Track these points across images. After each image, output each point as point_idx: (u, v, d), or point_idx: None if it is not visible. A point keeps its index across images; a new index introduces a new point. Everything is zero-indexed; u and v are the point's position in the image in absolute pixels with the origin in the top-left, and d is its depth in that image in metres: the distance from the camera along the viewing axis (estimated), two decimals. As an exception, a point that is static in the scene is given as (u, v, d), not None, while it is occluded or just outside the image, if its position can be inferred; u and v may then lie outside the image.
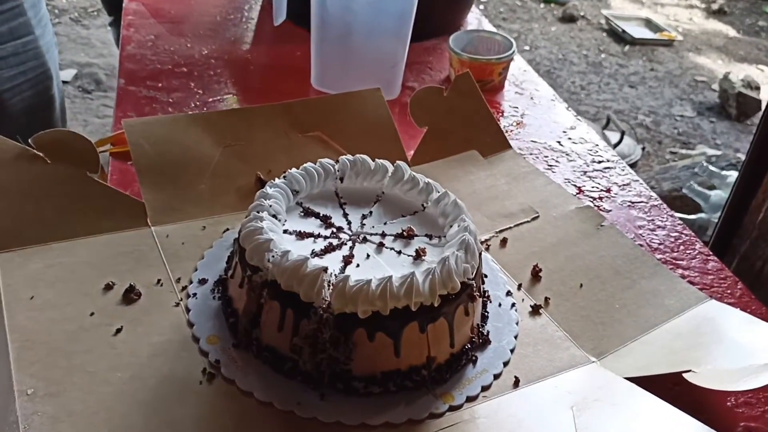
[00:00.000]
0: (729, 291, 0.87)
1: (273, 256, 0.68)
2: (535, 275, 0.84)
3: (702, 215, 1.92)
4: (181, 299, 0.76)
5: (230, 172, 0.93)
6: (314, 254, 0.72)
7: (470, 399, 0.68)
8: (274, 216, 0.74)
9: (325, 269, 0.66)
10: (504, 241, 0.90)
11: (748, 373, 0.68)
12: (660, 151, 3.59)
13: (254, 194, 0.79)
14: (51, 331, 0.70)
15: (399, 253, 0.74)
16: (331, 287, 0.65)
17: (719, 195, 2.02)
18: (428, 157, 1.03)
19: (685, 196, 1.97)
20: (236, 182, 0.93)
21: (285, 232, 0.74)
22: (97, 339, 0.70)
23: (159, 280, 0.78)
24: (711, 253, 0.93)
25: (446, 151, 1.05)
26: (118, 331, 0.71)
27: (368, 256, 0.73)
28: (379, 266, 0.72)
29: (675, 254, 0.92)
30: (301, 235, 0.75)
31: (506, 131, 1.12)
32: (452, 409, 0.67)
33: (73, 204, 0.84)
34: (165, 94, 1.16)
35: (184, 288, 0.78)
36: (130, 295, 0.75)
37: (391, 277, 0.65)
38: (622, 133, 3.19)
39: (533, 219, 0.94)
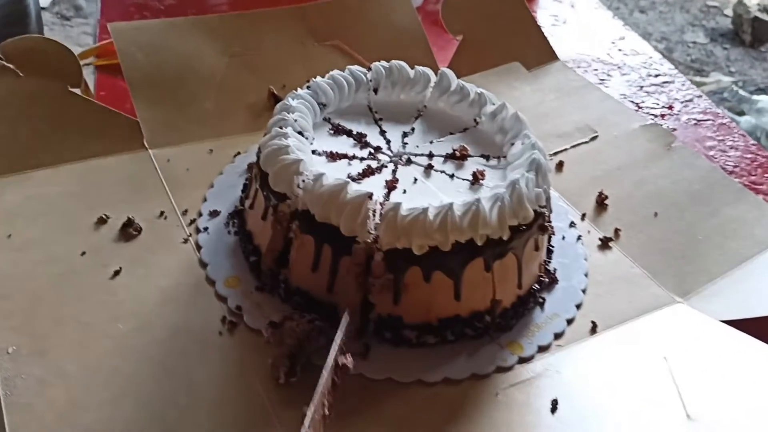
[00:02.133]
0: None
1: (304, 181, 0.55)
2: (601, 203, 0.72)
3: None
4: (190, 234, 0.64)
5: (239, 86, 0.80)
6: (351, 178, 0.59)
7: (542, 349, 0.57)
8: (299, 133, 0.61)
9: (370, 195, 0.53)
10: (560, 165, 0.77)
11: None
12: (674, 80, 3.44)
13: (267, 112, 0.65)
14: (34, 275, 0.58)
15: (452, 176, 0.61)
16: (379, 217, 0.53)
17: (749, 121, 1.91)
18: (465, 69, 0.88)
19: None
20: (246, 98, 0.80)
21: (313, 152, 0.61)
22: (91, 283, 0.58)
23: (162, 213, 0.65)
24: None
25: (485, 63, 0.91)
26: (117, 273, 0.59)
27: (415, 180, 0.61)
28: (430, 192, 0.59)
29: (753, 178, 0.80)
30: (333, 157, 0.62)
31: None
32: (522, 361, 0.56)
33: (54, 124, 0.71)
34: (157, 1, 1.00)
35: (193, 221, 0.65)
36: (129, 230, 0.63)
37: (451, 204, 0.53)
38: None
39: (592, 139, 0.81)
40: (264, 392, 0.51)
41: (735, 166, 0.82)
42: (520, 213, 0.55)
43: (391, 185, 0.59)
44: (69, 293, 0.57)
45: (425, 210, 0.52)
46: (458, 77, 0.74)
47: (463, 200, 0.54)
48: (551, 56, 0.94)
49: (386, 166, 0.62)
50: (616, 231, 0.69)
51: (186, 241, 0.63)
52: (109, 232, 0.63)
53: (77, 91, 0.71)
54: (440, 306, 0.55)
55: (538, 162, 0.58)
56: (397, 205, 0.52)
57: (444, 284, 0.54)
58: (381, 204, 0.55)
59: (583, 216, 0.71)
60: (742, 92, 1.94)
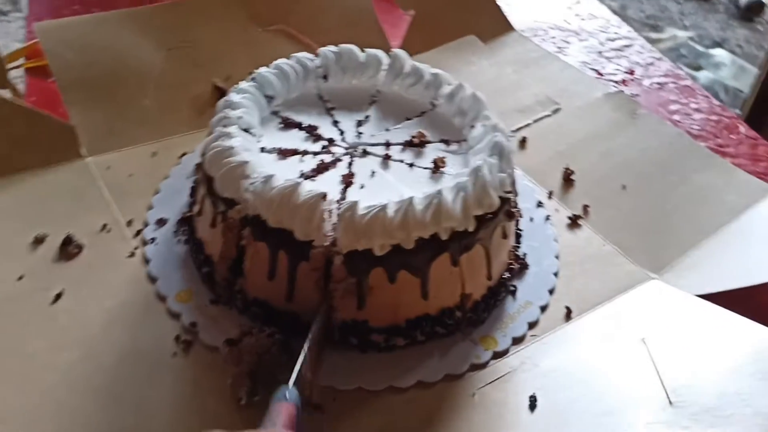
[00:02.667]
0: (788, 179, 0.74)
1: (252, 184, 0.51)
2: (567, 179, 0.70)
3: (692, 99, 1.81)
4: (137, 247, 0.59)
5: (179, 80, 0.75)
6: (304, 176, 0.55)
7: (517, 341, 0.55)
8: (245, 131, 0.56)
9: (324, 195, 0.49)
10: (523, 141, 0.74)
11: None
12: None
13: (212, 107, 0.61)
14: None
15: (411, 165, 0.58)
16: (336, 218, 0.50)
17: (707, 76, 1.91)
18: (418, 46, 0.85)
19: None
20: (188, 93, 0.75)
21: (262, 150, 0.57)
22: (31, 310, 0.54)
23: (105, 226, 0.61)
24: (759, 135, 0.79)
25: (439, 38, 0.87)
26: (58, 297, 0.55)
27: (373, 173, 0.57)
28: (389, 185, 0.56)
29: (719, 140, 0.78)
30: (284, 153, 0.58)
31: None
32: (497, 356, 0.53)
33: (-22, 134, 0.65)
34: None
35: (139, 232, 0.61)
36: (68, 249, 0.58)
37: (411, 199, 0.49)
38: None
39: (554, 112, 0.78)
40: (225, 414, 0.48)
41: (701, 130, 0.80)
42: (485, 201, 0.52)
43: (347, 180, 0.56)
44: (7, 323, 0.52)
45: (384, 207, 0.49)
46: (412, 55, 0.70)
47: (424, 192, 0.51)
48: (507, 27, 0.91)
49: (341, 160, 0.58)
50: (585, 207, 0.67)
51: (132, 254, 0.59)
52: (47, 252, 0.58)
53: (5, 93, 0.66)
54: (407, 306, 0.52)
55: (500, 145, 0.55)
56: (354, 204, 0.49)
57: (410, 283, 0.51)
58: (337, 203, 0.51)
59: (550, 194, 0.69)
60: (698, 47, 1.93)
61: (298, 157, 0.58)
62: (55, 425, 0.46)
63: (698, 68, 1.97)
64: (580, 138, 0.74)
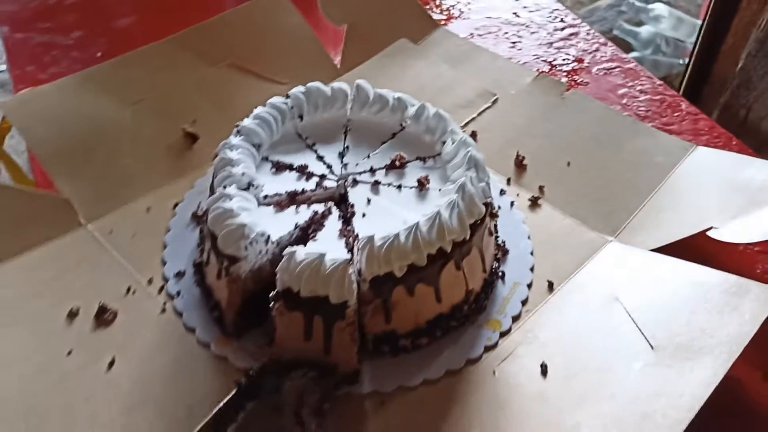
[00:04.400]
0: (726, 148, 0.84)
1: (251, 244, 0.57)
2: (520, 165, 0.80)
3: (635, 54, 1.90)
4: (165, 302, 0.65)
5: (151, 133, 0.79)
6: (310, 224, 0.62)
7: (515, 318, 0.65)
8: (249, 185, 0.62)
9: (349, 261, 0.55)
10: (474, 135, 0.83)
11: (762, 220, 0.68)
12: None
13: (187, 151, 0.66)
14: (29, 392, 0.57)
15: (399, 187, 0.66)
16: (358, 254, 0.57)
17: (648, 30, 1.98)
18: (358, 58, 0.92)
19: (616, 38, 1.93)
20: (162, 144, 0.79)
21: (265, 198, 0.64)
22: (91, 380, 0.59)
23: (129, 288, 0.66)
24: (699, 111, 0.90)
25: (374, 47, 0.94)
26: (111, 363, 0.60)
27: (369, 201, 0.64)
28: (385, 210, 0.64)
29: (665, 119, 0.89)
30: (281, 206, 0.64)
31: (454, 11, 1.01)
32: (503, 335, 0.63)
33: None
34: (63, 36, 0.94)
35: (161, 289, 0.66)
36: (104, 317, 0.63)
37: (417, 223, 0.57)
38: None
39: (494, 103, 0.87)
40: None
41: (647, 111, 0.89)
42: (474, 211, 0.60)
43: (348, 211, 0.63)
44: (74, 397, 0.57)
45: (397, 235, 0.57)
46: (354, 67, 0.76)
47: (423, 213, 0.59)
48: (432, 24, 0.98)
49: (334, 197, 0.65)
50: (541, 188, 0.77)
51: (164, 310, 0.64)
52: (84, 324, 0.63)
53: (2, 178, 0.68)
54: (426, 311, 0.61)
55: (474, 158, 0.64)
56: (371, 238, 0.56)
57: (426, 293, 0.59)
58: (353, 236, 0.59)
59: (509, 181, 0.78)
60: (637, 3, 2.02)
61: (293, 208, 0.63)
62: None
63: (639, 23, 2.03)
64: (522, 124, 0.84)
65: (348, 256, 0.57)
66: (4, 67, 2.52)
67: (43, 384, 0.58)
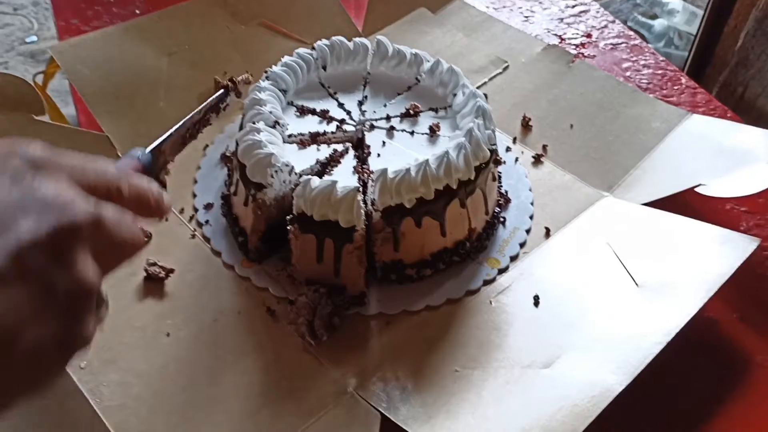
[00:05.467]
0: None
1: (276, 171, 0.63)
2: (526, 125, 0.85)
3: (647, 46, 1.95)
4: (194, 229, 0.71)
5: (185, 81, 0.85)
6: (328, 160, 0.68)
7: (513, 258, 0.70)
8: (276, 123, 0.69)
9: (359, 188, 0.61)
10: (485, 97, 0.89)
11: (747, 178, 0.73)
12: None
13: None
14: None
15: (412, 133, 0.72)
16: (371, 187, 0.63)
17: (662, 23, 2.02)
18: (379, 24, 0.98)
19: (630, 29, 1.97)
20: (195, 91, 0.85)
21: (290, 137, 0.70)
22: (126, 291, 0.65)
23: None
24: (698, 86, 0.95)
25: (395, 14, 1.00)
26: (169, 273, 0.67)
27: (384, 143, 0.71)
28: (399, 151, 0.70)
29: (665, 91, 0.94)
30: (303, 143, 0.70)
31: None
32: (501, 272, 0.69)
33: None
34: None
35: (191, 218, 0.73)
36: (140, 238, 0.69)
37: (427, 160, 0.63)
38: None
39: (504, 69, 0.93)
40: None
41: (649, 83, 0.95)
42: (480, 154, 0.66)
43: (366, 152, 0.69)
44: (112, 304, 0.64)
45: (408, 170, 0.63)
46: (375, 32, 0.82)
47: (432, 153, 0.65)
48: (450, -6, 1.04)
49: (352, 140, 0.71)
50: (544, 147, 0.83)
51: (193, 236, 0.71)
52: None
53: (44, 118, 0.75)
54: (431, 244, 0.67)
55: (483, 108, 0.70)
56: (385, 171, 0.62)
57: (432, 226, 0.65)
58: (368, 171, 0.65)
59: (515, 139, 0.84)
60: None
61: (314, 146, 0.70)
62: (181, 377, 0.59)
63: (654, 17, 2.08)
64: (530, 90, 0.90)
65: (358, 184, 0.62)
66: (35, 38, 2.61)
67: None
